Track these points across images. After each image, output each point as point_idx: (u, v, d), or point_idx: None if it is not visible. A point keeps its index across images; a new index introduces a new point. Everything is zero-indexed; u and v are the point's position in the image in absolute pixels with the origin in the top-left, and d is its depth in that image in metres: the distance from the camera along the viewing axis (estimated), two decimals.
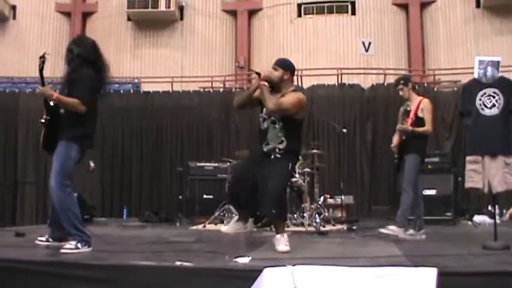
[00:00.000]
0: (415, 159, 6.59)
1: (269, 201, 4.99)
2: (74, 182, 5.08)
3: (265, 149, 5.26)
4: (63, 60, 5.22)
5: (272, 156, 5.21)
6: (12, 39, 15.91)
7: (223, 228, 5.75)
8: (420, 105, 6.66)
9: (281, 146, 5.19)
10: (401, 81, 6.92)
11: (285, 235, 5.15)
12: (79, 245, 4.79)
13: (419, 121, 6.62)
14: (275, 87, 5.33)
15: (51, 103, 5.04)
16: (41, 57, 5.11)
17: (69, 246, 4.77)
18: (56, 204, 4.93)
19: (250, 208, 5.45)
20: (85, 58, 5.12)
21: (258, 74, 5.36)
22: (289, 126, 5.25)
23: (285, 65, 5.44)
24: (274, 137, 5.24)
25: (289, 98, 5.26)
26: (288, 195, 8.59)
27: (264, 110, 5.30)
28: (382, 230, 6.34)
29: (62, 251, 4.73)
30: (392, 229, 6.31)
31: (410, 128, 6.58)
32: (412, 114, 6.65)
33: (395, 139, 6.87)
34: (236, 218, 5.59)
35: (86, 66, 5.08)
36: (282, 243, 5.02)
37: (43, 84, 5.05)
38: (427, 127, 6.64)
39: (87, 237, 4.91)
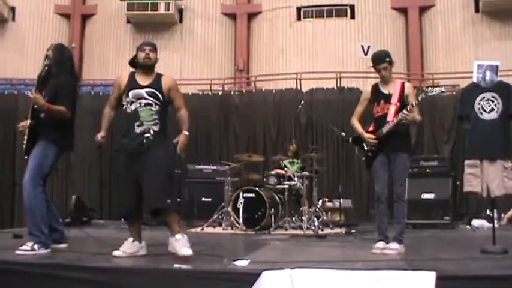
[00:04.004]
0: (408, 159, 5.58)
1: (159, 190, 4.81)
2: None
3: (137, 130, 4.95)
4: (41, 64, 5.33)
5: (145, 141, 4.91)
6: (11, 40, 15.93)
7: (116, 252, 4.84)
8: (405, 90, 5.59)
9: (156, 128, 4.96)
10: (388, 58, 5.82)
11: (185, 235, 4.81)
12: (35, 247, 4.79)
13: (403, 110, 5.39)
14: (150, 69, 5.17)
15: (35, 106, 5.10)
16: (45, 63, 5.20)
17: (25, 248, 4.77)
18: (25, 201, 4.96)
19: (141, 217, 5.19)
20: (63, 65, 5.28)
21: None
22: (163, 111, 5.08)
23: (157, 48, 5.36)
24: (149, 117, 4.98)
25: (178, 92, 5.34)
26: (287, 198, 8.64)
27: (131, 93, 5.01)
28: (386, 252, 5.24)
29: (17, 252, 4.72)
30: (396, 248, 5.23)
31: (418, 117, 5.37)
32: (395, 101, 5.51)
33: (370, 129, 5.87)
34: (131, 239, 4.98)
35: (64, 73, 5.25)
36: (184, 245, 4.66)
37: (38, 91, 5.10)
38: (419, 117, 5.43)
39: (46, 239, 4.91)
